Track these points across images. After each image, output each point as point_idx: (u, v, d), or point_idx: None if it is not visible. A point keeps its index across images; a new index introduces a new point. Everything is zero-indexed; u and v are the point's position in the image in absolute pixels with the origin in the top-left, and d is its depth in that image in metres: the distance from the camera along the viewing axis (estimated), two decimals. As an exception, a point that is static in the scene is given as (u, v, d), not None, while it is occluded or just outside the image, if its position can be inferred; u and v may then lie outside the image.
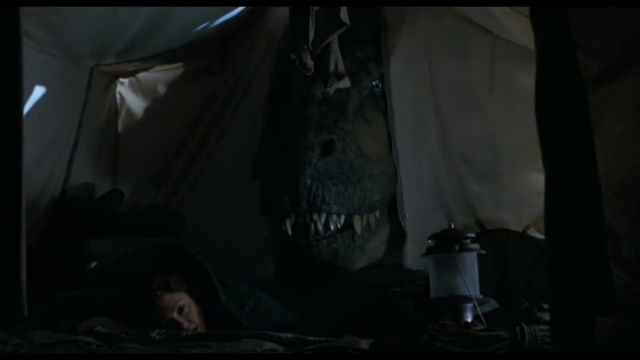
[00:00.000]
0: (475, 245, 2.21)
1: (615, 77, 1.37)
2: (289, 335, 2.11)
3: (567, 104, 1.43)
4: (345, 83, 2.82)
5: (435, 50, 3.36)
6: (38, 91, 3.25)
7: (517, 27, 2.89)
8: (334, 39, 2.71)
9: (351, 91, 3.16)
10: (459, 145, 3.34)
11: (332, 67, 2.75)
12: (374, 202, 3.11)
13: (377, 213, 3.16)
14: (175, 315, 2.46)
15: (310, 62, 2.60)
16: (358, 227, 3.07)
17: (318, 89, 3.03)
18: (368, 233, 3.15)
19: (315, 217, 2.97)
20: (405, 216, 3.24)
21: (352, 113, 3.15)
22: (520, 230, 3.24)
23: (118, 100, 3.88)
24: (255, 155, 3.50)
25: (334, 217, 3.00)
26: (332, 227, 3.02)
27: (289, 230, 3.02)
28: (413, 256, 3.14)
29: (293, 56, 2.65)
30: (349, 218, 3.05)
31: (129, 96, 3.88)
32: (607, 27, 1.39)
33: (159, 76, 3.84)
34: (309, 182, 2.93)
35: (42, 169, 3.39)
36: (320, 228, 2.99)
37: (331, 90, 2.84)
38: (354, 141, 3.07)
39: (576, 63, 1.40)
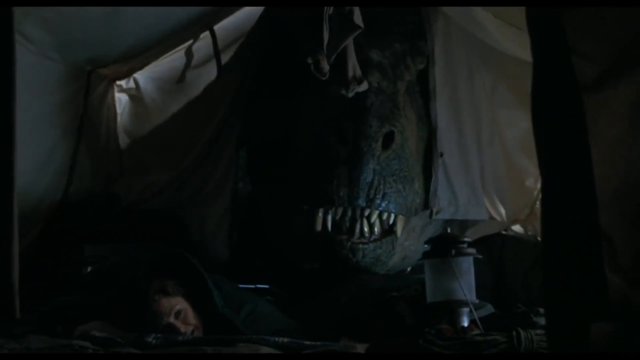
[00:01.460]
0: (472, 250, 2.21)
1: (611, 82, 1.37)
2: (286, 339, 2.11)
3: (563, 108, 1.43)
4: (364, 86, 2.78)
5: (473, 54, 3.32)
6: (38, 96, 3.25)
7: (509, 39, 2.91)
8: (349, 43, 2.70)
9: (397, 84, 3.01)
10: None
11: (350, 72, 2.72)
12: (417, 206, 2.97)
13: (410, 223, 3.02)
14: (172, 319, 2.46)
15: (326, 66, 2.59)
16: (399, 230, 2.92)
17: (373, 78, 2.88)
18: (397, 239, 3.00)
19: (368, 213, 2.80)
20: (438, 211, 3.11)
21: (403, 106, 2.98)
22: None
23: (116, 103, 3.88)
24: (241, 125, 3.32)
25: (385, 216, 2.84)
26: (376, 229, 2.86)
27: (329, 227, 2.85)
28: None
29: (310, 60, 2.62)
30: (395, 219, 2.89)
31: (126, 98, 3.89)
32: (603, 31, 1.39)
33: (155, 76, 3.84)
34: (371, 176, 2.75)
35: (43, 174, 3.39)
36: (366, 229, 2.84)
37: (351, 94, 2.77)
38: (408, 137, 2.91)
39: (572, 67, 1.40)
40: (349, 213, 2.81)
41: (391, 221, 2.86)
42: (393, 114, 2.86)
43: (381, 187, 2.76)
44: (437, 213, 3.08)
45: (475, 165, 3.23)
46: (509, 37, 2.96)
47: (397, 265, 3.11)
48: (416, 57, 3.12)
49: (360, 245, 2.82)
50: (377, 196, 2.75)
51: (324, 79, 2.66)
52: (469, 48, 3.26)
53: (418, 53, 3.12)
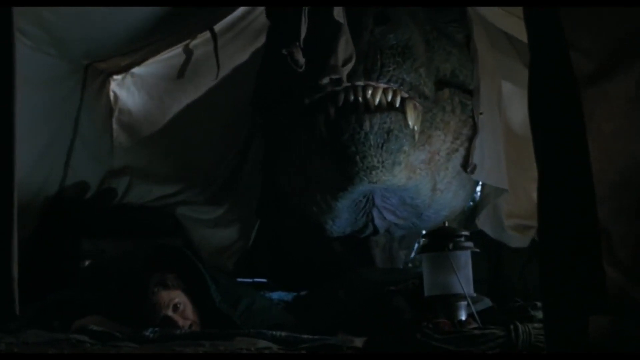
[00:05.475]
0: (469, 244, 2.21)
1: (608, 76, 1.37)
2: (283, 333, 2.11)
3: (560, 103, 1.44)
4: (342, 72, 2.75)
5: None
6: (35, 91, 3.25)
7: (510, 28, 2.90)
8: (340, 38, 2.67)
9: None
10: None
11: (332, 61, 2.69)
12: (427, 93, 2.76)
13: (419, 121, 2.77)
14: (170, 312, 2.46)
15: (301, 59, 2.57)
16: (411, 115, 2.71)
17: None
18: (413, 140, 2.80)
19: (371, 90, 2.62)
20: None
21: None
22: None
23: (112, 98, 3.87)
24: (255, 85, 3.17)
25: (390, 94, 2.66)
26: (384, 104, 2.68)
27: (340, 102, 2.65)
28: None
29: (284, 52, 2.60)
30: (402, 103, 2.70)
31: (123, 94, 3.88)
32: (599, 25, 1.39)
33: (153, 71, 3.83)
34: (365, 47, 2.59)
35: (39, 168, 3.38)
36: (374, 101, 2.64)
37: (324, 82, 2.72)
38: (408, 22, 2.74)
39: (569, 62, 1.40)
40: (350, 93, 2.65)
41: (398, 101, 2.68)
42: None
43: (377, 56, 2.62)
44: (473, 169, 2.99)
45: (500, 138, 3.20)
46: (508, 25, 2.96)
47: (427, 197, 2.98)
48: None
49: (367, 115, 2.63)
50: (375, 66, 2.61)
51: (300, 70, 2.59)
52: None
53: None
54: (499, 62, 3.29)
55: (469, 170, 2.96)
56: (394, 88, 2.65)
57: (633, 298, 1.35)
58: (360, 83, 2.61)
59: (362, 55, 2.58)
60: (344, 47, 2.52)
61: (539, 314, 1.99)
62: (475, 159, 2.98)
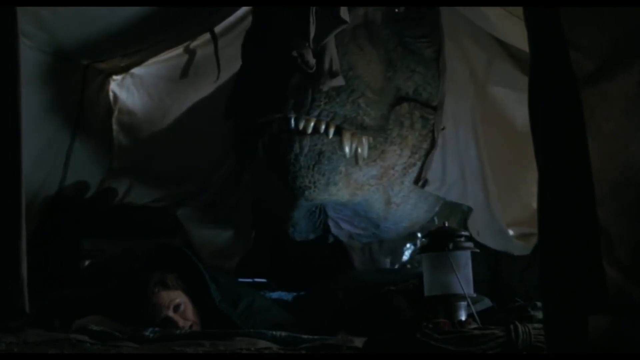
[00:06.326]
0: (469, 244, 2.21)
1: (608, 75, 1.37)
2: (283, 333, 2.12)
3: (561, 102, 1.44)
4: (338, 81, 2.77)
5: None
6: (35, 90, 3.25)
7: (510, 29, 2.89)
8: (330, 37, 2.69)
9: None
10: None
11: (327, 65, 2.71)
12: (366, 124, 2.73)
13: (366, 148, 2.80)
14: (170, 313, 2.46)
15: (312, 60, 2.59)
16: (347, 147, 2.72)
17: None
18: (354, 161, 2.81)
19: (302, 123, 2.63)
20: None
21: (347, 35, 2.76)
22: None
23: (111, 98, 3.87)
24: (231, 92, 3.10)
25: (323, 126, 2.67)
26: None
27: (274, 131, 2.68)
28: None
29: (294, 53, 2.62)
30: (338, 132, 2.71)
31: (123, 94, 3.88)
32: (599, 24, 1.39)
33: (153, 71, 3.83)
34: (298, 81, 2.60)
35: (39, 168, 3.39)
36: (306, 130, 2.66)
37: (324, 88, 2.77)
38: (348, 53, 2.73)
39: (569, 61, 1.40)
40: (283, 125, 2.67)
41: (331, 132, 2.69)
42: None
43: (309, 90, 2.61)
44: (424, 184, 2.98)
45: (470, 152, 3.18)
46: (509, 26, 2.95)
47: (381, 210, 2.99)
48: None
49: (297, 137, 2.65)
50: (306, 100, 2.61)
51: (310, 71, 2.63)
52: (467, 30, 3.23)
53: None
54: (491, 67, 3.28)
55: (420, 184, 2.96)
56: (326, 121, 2.66)
57: (633, 298, 1.35)
58: (292, 115, 2.63)
59: (294, 89, 2.60)
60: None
61: (539, 314, 1.99)
62: (433, 173, 2.96)
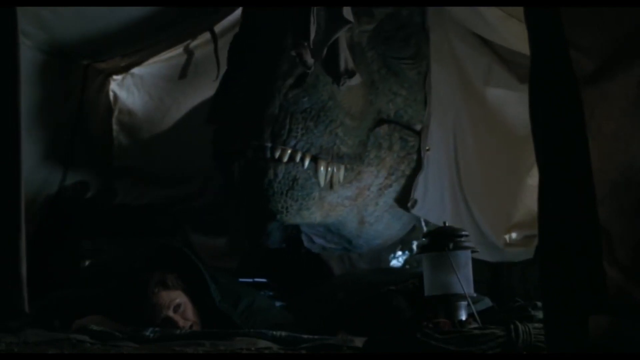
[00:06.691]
0: (469, 243, 2.21)
1: (608, 75, 1.37)
2: (283, 333, 2.12)
3: (561, 102, 1.43)
4: (356, 80, 2.77)
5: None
6: (35, 90, 3.25)
7: (510, 31, 2.89)
8: (340, 37, 2.69)
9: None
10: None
11: (342, 66, 2.71)
12: (342, 153, 2.76)
13: (342, 172, 2.82)
14: (170, 313, 2.47)
15: (310, 60, 2.59)
16: (322, 177, 2.74)
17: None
18: (329, 186, 2.82)
19: (278, 152, 2.65)
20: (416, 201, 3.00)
21: None
22: None
23: (111, 98, 3.87)
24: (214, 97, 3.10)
25: (299, 156, 2.68)
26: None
27: (249, 157, 2.71)
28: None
29: (293, 53, 2.63)
30: (313, 163, 2.73)
31: (123, 94, 3.88)
32: (600, 25, 1.39)
33: (152, 71, 3.83)
34: (276, 111, 2.62)
35: (39, 168, 3.39)
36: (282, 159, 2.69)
37: (342, 87, 2.76)
38: (328, 82, 2.73)
39: (570, 61, 1.40)
40: (259, 154, 2.68)
41: (306, 163, 2.70)
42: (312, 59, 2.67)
43: (286, 121, 2.63)
44: (413, 204, 3.00)
45: (452, 172, 3.16)
46: (508, 28, 2.95)
47: (354, 229, 3.01)
48: (362, 18, 2.95)
49: (272, 164, 2.67)
50: (283, 131, 2.63)
51: (308, 71, 2.64)
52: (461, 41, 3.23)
53: (364, 13, 2.96)
54: (491, 72, 3.28)
55: (409, 205, 2.97)
56: (302, 151, 2.68)
57: (633, 298, 1.35)
58: (268, 144, 2.65)
59: (272, 119, 2.62)
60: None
61: (539, 314, 1.99)
62: (417, 194, 2.98)
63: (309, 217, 2.80)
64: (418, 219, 3.13)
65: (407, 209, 3.00)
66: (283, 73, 2.66)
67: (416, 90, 3.02)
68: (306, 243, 3.07)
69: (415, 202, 2.98)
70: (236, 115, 2.71)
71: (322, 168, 2.74)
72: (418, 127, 3.01)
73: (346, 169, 2.82)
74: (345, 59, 2.66)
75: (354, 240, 3.07)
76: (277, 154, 2.65)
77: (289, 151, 2.65)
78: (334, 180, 2.79)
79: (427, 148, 2.98)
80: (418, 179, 2.97)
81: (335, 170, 2.79)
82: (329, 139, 2.72)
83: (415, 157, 3.00)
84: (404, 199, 3.01)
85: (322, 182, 2.75)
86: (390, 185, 2.99)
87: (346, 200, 2.89)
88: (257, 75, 2.71)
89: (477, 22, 3.06)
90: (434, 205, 3.03)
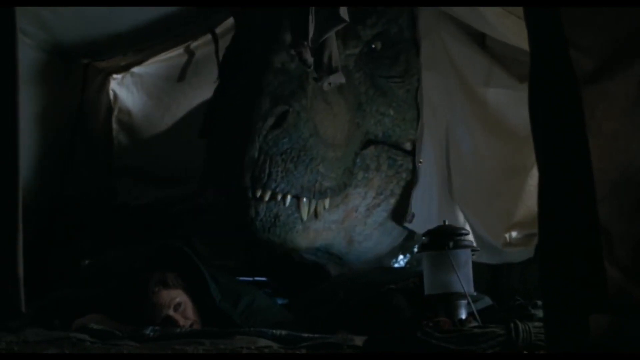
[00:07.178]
0: (469, 242, 2.21)
1: (608, 74, 1.37)
2: (283, 332, 2.11)
3: (561, 101, 1.44)
4: (338, 78, 2.76)
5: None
6: (35, 89, 3.25)
7: (509, 28, 2.89)
8: (330, 35, 2.70)
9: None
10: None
11: (325, 61, 2.71)
12: (325, 189, 2.79)
13: (327, 202, 2.85)
14: (171, 312, 2.46)
15: (310, 58, 2.60)
16: (304, 212, 2.77)
17: (278, 57, 2.74)
18: (314, 216, 2.85)
19: (259, 192, 2.67)
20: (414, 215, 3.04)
21: (312, 89, 2.78)
22: None
23: (112, 97, 3.87)
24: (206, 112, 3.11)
25: (279, 197, 2.70)
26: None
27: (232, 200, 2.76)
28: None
29: (293, 52, 2.63)
30: (295, 201, 2.76)
31: (123, 93, 3.88)
32: (599, 24, 1.39)
33: (153, 70, 3.83)
34: (256, 154, 2.64)
35: (39, 168, 3.39)
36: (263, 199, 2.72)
37: (324, 86, 2.77)
38: (310, 118, 2.75)
39: (569, 60, 1.40)
40: (240, 195, 2.72)
41: (287, 202, 2.73)
42: (294, 95, 2.72)
43: (266, 165, 2.65)
44: (411, 219, 3.04)
45: (442, 183, 3.18)
46: (508, 25, 2.95)
47: (343, 248, 3.04)
48: (349, 41, 2.96)
49: (253, 202, 2.70)
50: (263, 175, 2.65)
51: (309, 69, 2.65)
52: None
53: (351, 37, 2.96)
54: (491, 72, 3.28)
55: (407, 219, 3.00)
56: (283, 193, 2.70)
57: (633, 297, 1.35)
58: (249, 186, 2.68)
59: (251, 162, 2.64)
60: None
61: (539, 313, 1.99)
62: (415, 208, 3.00)
63: (294, 246, 2.84)
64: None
65: (401, 225, 3.04)
66: (264, 112, 2.66)
67: (405, 109, 3.04)
68: (297, 259, 3.10)
69: (413, 216, 3.01)
70: (219, 154, 2.75)
71: (304, 204, 2.77)
72: (407, 146, 3.04)
73: (331, 197, 2.85)
74: (330, 54, 2.66)
75: (344, 257, 3.10)
76: (258, 194, 2.68)
77: (269, 193, 2.69)
78: (318, 210, 2.83)
79: (420, 161, 3.01)
80: (414, 194, 3.00)
81: (318, 204, 2.82)
82: (310, 177, 2.74)
83: (404, 175, 3.03)
84: (398, 215, 3.04)
85: (304, 217, 2.77)
86: (379, 205, 3.03)
87: (333, 225, 2.92)
88: (245, 93, 2.72)
89: (477, 19, 3.06)
90: (425, 218, 3.03)
